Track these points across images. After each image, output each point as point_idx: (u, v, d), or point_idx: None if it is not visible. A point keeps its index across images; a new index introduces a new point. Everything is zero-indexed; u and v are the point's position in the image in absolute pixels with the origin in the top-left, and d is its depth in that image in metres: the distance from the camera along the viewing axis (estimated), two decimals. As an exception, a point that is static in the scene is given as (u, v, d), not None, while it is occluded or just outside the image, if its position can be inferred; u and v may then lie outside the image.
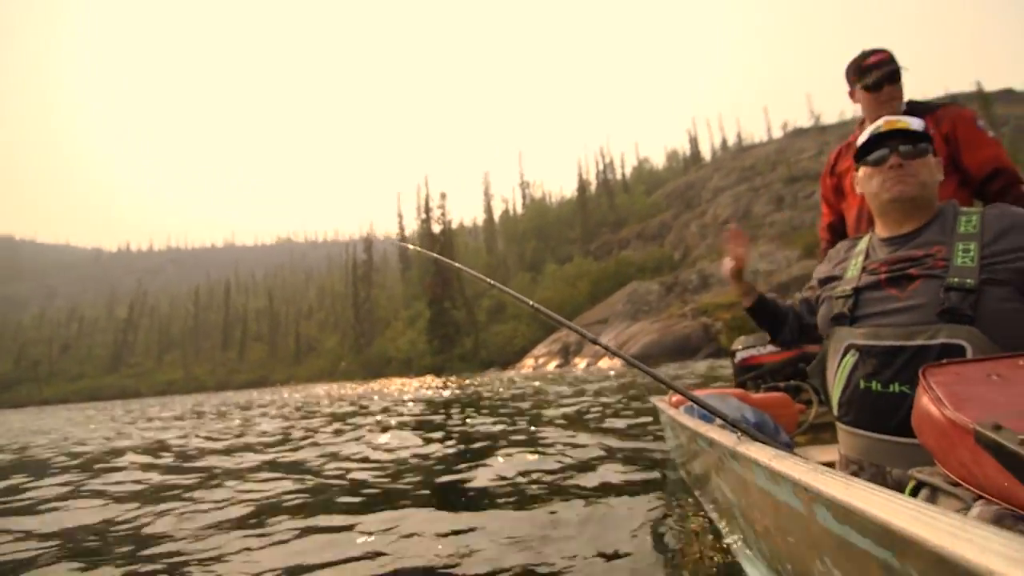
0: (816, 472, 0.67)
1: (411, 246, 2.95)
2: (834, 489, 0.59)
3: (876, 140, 1.21)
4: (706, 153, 77.24)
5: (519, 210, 77.11)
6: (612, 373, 16.44)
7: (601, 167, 71.60)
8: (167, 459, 4.36)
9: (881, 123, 1.23)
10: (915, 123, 1.20)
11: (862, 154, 1.24)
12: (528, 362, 32.51)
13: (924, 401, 0.76)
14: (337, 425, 6.20)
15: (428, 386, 17.24)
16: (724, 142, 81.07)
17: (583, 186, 65.78)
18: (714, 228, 43.16)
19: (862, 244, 1.27)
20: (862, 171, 1.25)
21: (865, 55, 1.82)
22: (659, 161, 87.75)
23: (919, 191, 1.15)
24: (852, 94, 1.87)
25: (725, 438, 1.06)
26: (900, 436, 1.02)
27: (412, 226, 62.65)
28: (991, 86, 50.70)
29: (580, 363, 27.37)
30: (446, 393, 11.82)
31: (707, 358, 20.54)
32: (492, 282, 1.87)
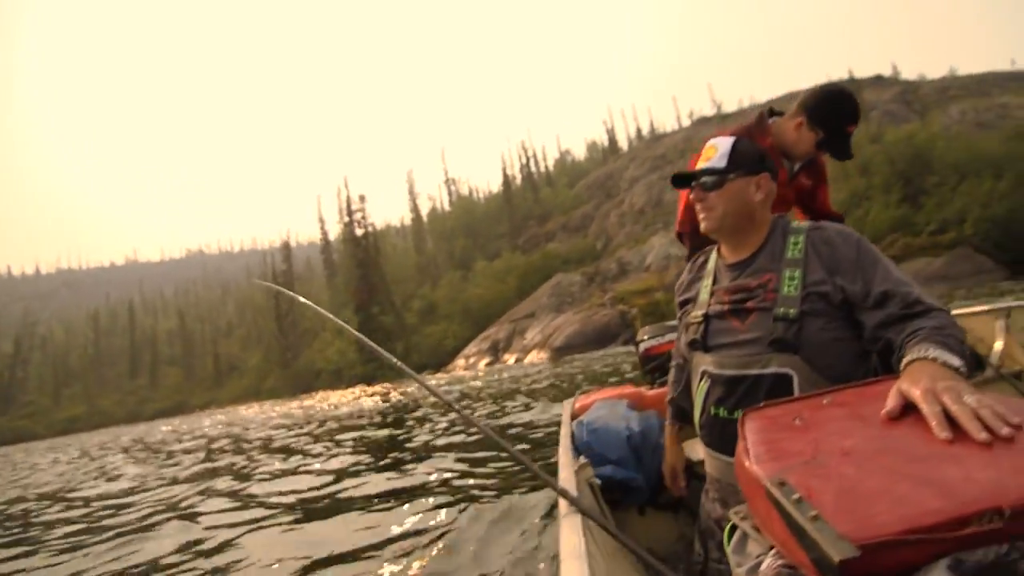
0: None
1: (270, 284, 2.77)
2: None
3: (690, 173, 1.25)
4: (623, 143, 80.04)
5: (446, 207, 76.35)
6: (540, 369, 16.71)
7: (524, 161, 72.33)
8: None
9: (705, 147, 1.24)
10: (720, 151, 1.20)
11: (679, 184, 1.28)
12: (459, 362, 32.41)
13: (739, 449, 0.78)
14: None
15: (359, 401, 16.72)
16: (639, 132, 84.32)
17: (508, 181, 66.13)
18: (631, 216, 44.95)
19: (711, 264, 1.29)
20: None
21: (848, 113, 1.66)
22: (580, 152, 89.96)
23: (719, 223, 1.18)
24: (801, 124, 1.69)
25: (563, 502, 1.06)
26: None
27: (335, 230, 60.27)
28: (862, 73, 56.33)
29: (509, 359, 27.67)
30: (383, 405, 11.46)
31: (625, 344, 21.40)
32: (342, 323, 1.69)
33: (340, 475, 4.21)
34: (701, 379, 1.18)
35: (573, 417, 1.92)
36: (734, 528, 0.89)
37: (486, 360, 29.73)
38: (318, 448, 6.19)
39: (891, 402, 0.74)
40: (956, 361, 0.79)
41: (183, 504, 4.05)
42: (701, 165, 1.21)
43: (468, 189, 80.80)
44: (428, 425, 6.54)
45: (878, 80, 52.67)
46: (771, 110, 1.84)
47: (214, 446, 8.66)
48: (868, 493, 0.58)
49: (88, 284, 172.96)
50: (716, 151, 1.20)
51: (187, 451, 8.58)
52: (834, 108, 1.65)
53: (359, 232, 51.32)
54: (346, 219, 53.62)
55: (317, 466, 4.87)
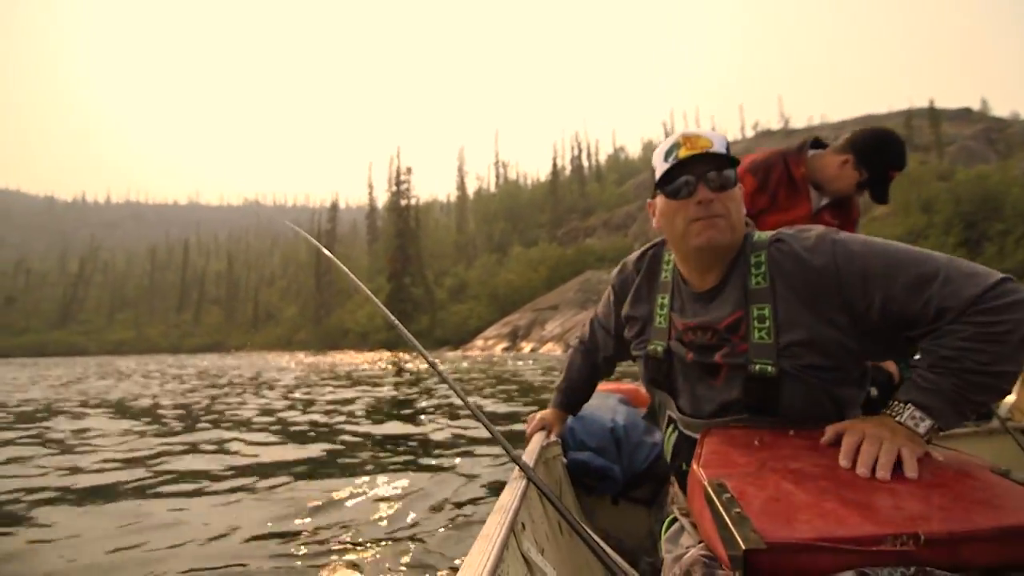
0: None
1: (314, 240, 2.84)
2: None
3: (680, 165, 0.93)
4: (680, 147, 77.63)
5: (492, 189, 76.79)
6: (555, 355, 16.92)
7: (576, 152, 71.66)
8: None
9: (678, 138, 0.94)
10: (717, 142, 0.93)
11: (663, 182, 0.96)
12: (478, 343, 32.96)
13: (694, 455, 0.82)
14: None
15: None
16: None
17: (556, 171, 65.78)
18: (673, 223, 43.96)
19: (665, 274, 1.07)
20: (660, 202, 0.97)
21: (895, 158, 1.64)
22: (635, 151, 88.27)
23: (730, 236, 0.92)
24: (846, 163, 1.67)
25: (517, 469, 1.04)
26: None
27: (384, 197, 61.78)
28: (948, 104, 52.63)
29: (526, 347, 27.95)
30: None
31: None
32: (367, 290, 1.71)
33: (335, 428, 4.61)
34: (669, 425, 1.05)
35: None
36: (674, 520, 0.95)
37: (503, 345, 30.13)
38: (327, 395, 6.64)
39: (829, 431, 0.78)
40: (923, 427, 0.75)
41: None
42: (693, 154, 0.91)
43: (516, 174, 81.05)
44: (440, 390, 6.98)
45: (964, 113, 49.20)
46: (816, 139, 1.81)
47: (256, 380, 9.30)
48: (796, 504, 0.62)
49: (151, 219, 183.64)
50: (711, 142, 0.92)
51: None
52: (883, 151, 1.65)
53: (403, 203, 52.46)
54: (394, 188, 54.87)
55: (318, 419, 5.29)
